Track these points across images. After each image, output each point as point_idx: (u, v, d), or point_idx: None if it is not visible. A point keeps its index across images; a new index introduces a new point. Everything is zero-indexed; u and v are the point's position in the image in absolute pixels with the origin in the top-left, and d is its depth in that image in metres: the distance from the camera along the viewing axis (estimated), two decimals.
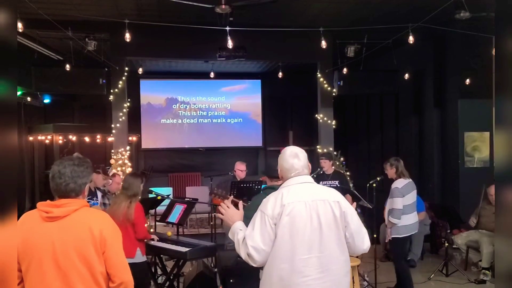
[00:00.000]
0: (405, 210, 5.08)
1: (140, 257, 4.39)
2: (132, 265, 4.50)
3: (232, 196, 4.45)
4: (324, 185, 6.08)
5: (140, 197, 4.59)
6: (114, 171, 7.06)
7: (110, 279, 2.19)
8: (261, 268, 2.84)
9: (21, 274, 2.15)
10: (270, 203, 2.46)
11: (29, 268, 2.11)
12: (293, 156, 2.60)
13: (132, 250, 4.34)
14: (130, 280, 2.23)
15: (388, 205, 5.29)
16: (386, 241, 5.53)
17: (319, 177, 6.39)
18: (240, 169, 6.62)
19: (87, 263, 2.11)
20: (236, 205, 2.75)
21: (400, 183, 5.17)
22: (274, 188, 3.23)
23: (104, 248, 2.15)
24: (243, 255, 2.46)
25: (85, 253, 2.10)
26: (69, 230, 2.12)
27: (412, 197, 5.21)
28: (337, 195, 2.55)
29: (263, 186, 5.68)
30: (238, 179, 6.54)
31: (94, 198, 5.51)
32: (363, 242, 2.55)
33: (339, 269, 2.44)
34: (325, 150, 7.91)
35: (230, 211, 2.67)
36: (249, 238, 2.43)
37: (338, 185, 5.97)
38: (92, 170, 2.36)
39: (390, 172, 5.28)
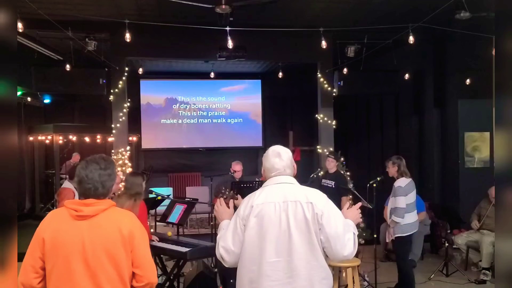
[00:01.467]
0: (407, 208, 5.09)
1: None
2: None
3: (239, 196, 4.44)
4: (324, 183, 6.12)
5: (143, 196, 4.58)
6: None
7: (135, 279, 2.18)
8: None
9: (44, 272, 2.13)
10: (243, 204, 2.43)
11: (55, 266, 2.10)
12: (275, 156, 2.51)
13: None
14: (156, 282, 2.24)
15: (390, 204, 5.28)
16: (387, 240, 5.52)
17: (319, 177, 6.39)
18: (236, 170, 6.62)
19: (115, 263, 2.11)
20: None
21: (402, 182, 5.16)
22: None
23: (132, 248, 2.15)
24: (217, 255, 2.45)
25: (114, 253, 2.10)
26: (99, 229, 2.12)
27: (413, 196, 5.22)
28: (314, 196, 2.39)
29: None
30: (237, 179, 6.54)
31: None
32: (344, 248, 2.33)
33: (312, 275, 2.31)
34: (326, 151, 7.91)
35: (220, 209, 2.66)
36: (222, 238, 2.42)
37: (333, 186, 5.99)
38: (116, 169, 2.36)
39: (392, 170, 5.27)
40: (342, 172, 7.33)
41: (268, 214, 2.34)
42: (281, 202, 2.36)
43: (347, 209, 2.61)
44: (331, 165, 6.28)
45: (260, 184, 6.11)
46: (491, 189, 6.29)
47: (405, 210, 5.06)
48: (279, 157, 2.51)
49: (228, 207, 2.68)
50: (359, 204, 2.71)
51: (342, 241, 2.34)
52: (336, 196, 5.45)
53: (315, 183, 6.11)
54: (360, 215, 2.62)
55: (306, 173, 6.84)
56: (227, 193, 5.20)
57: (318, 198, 2.40)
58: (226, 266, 2.44)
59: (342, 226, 2.37)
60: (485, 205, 6.42)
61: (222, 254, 2.40)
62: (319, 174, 6.51)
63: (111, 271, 2.10)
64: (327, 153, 6.88)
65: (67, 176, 5.53)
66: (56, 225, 2.14)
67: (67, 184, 5.29)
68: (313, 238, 2.32)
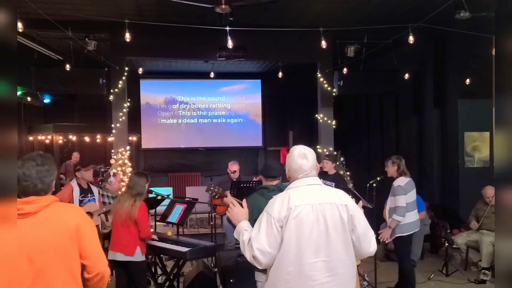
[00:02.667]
0: (407, 207, 5.08)
1: (139, 256, 4.40)
2: (130, 264, 4.53)
3: (228, 192, 4.45)
4: (323, 184, 6.12)
5: (144, 197, 4.59)
6: (114, 170, 7.07)
7: (86, 270, 2.16)
8: (257, 270, 2.81)
9: None
10: (276, 205, 2.41)
11: None
12: (302, 157, 2.54)
13: (132, 249, 4.35)
14: (107, 271, 2.21)
15: (389, 204, 5.27)
16: (387, 241, 5.51)
17: (320, 175, 6.42)
18: (234, 170, 6.61)
19: (64, 258, 2.08)
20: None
21: (402, 181, 5.16)
22: (268, 189, 3.24)
23: (80, 239, 2.12)
24: (248, 257, 2.42)
25: (62, 248, 2.08)
26: (44, 226, 2.07)
27: (413, 195, 5.21)
28: (345, 198, 2.50)
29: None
30: (234, 180, 6.54)
31: (89, 195, 5.54)
32: (370, 245, 2.51)
33: (346, 273, 2.41)
34: (326, 151, 7.91)
35: (236, 210, 2.61)
36: (255, 240, 2.39)
37: (333, 187, 5.99)
38: (56, 165, 2.29)
39: (391, 169, 5.27)
40: (341, 172, 7.33)
41: (307, 216, 2.37)
42: (317, 204, 2.40)
43: None
44: (328, 166, 6.30)
45: (258, 184, 6.11)
46: (485, 189, 6.32)
47: (405, 209, 5.06)
48: (306, 158, 2.54)
49: (242, 207, 2.64)
50: (360, 203, 2.76)
51: (368, 238, 2.51)
52: None
53: None
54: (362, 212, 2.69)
55: None
56: (216, 190, 5.18)
57: (349, 200, 2.51)
58: (260, 268, 2.43)
59: (366, 224, 2.51)
60: (481, 206, 6.43)
61: (257, 255, 2.37)
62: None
63: (60, 267, 2.07)
64: (326, 153, 6.88)
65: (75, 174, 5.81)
66: None
67: (73, 181, 5.56)
68: (348, 238, 2.43)
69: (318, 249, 2.35)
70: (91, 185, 5.68)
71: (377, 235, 5.30)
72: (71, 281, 2.11)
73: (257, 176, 8.39)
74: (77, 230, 2.12)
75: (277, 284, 2.39)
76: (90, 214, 5.42)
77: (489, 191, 6.25)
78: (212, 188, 5.00)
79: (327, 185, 6.19)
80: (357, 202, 2.88)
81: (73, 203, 5.35)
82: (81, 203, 5.43)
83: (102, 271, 2.19)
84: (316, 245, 2.35)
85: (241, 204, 2.67)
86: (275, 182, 3.33)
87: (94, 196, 5.59)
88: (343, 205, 2.43)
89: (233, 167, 6.65)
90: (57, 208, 2.16)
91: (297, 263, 2.34)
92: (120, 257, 4.36)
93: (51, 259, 2.06)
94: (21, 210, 2.09)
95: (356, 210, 2.48)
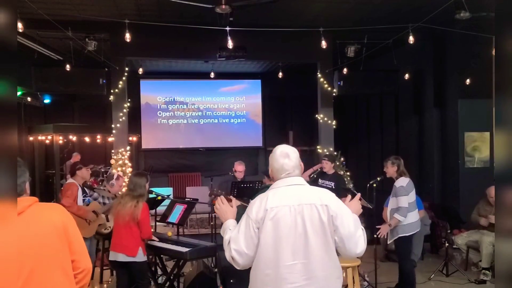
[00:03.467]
0: (409, 208, 5.08)
1: (141, 256, 4.41)
2: (133, 264, 4.54)
3: (232, 196, 4.44)
4: (322, 183, 6.13)
5: (146, 198, 4.60)
6: (114, 171, 7.06)
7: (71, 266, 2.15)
8: None
9: None
10: (255, 206, 2.39)
11: None
12: (284, 156, 2.49)
13: (134, 249, 4.36)
14: (91, 267, 2.23)
15: (390, 205, 5.26)
16: (388, 242, 5.50)
17: (319, 175, 6.43)
18: (238, 170, 6.62)
19: (56, 256, 2.06)
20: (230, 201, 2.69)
21: (404, 182, 5.15)
22: None
23: (68, 237, 2.12)
24: (227, 257, 2.41)
25: (52, 246, 2.06)
26: (31, 226, 2.04)
27: (413, 195, 5.22)
28: (327, 198, 2.41)
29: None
30: (239, 180, 6.55)
31: (86, 195, 5.56)
32: (356, 246, 2.38)
33: (327, 275, 2.35)
34: (326, 151, 7.91)
35: (224, 208, 2.59)
36: (233, 241, 2.37)
37: (333, 187, 6.00)
38: (26, 167, 2.21)
39: (391, 170, 5.26)
40: (341, 172, 7.33)
41: (284, 218, 2.33)
42: (296, 205, 2.35)
43: (349, 201, 2.62)
44: (328, 166, 6.31)
45: (260, 184, 6.12)
46: (489, 189, 6.30)
47: (407, 210, 5.06)
48: (288, 157, 2.49)
49: (231, 206, 2.62)
50: (359, 195, 2.73)
51: (355, 239, 2.38)
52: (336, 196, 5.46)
53: (315, 183, 6.12)
54: (361, 206, 2.65)
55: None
56: (218, 194, 5.17)
57: (331, 200, 2.42)
58: (238, 268, 2.42)
59: (353, 224, 2.40)
60: (483, 205, 6.41)
61: (234, 256, 2.36)
62: (319, 172, 6.54)
63: (52, 267, 2.05)
64: (326, 153, 6.89)
65: (69, 174, 5.80)
66: None
67: (71, 181, 5.52)
68: (329, 240, 2.35)
69: (296, 251, 2.31)
70: (85, 187, 5.71)
71: (377, 230, 5.32)
72: (65, 279, 2.10)
73: (260, 176, 8.39)
74: (65, 228, 2.11)
75: (256, 286, 2.38)
76: (95, 213, 5.44)
77: (493, 192, 6.22)
78: (215, 193, 4.99)
79: (327, 185, 6.22)
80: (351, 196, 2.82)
81: (77, 202, 5.38)
82: (82, 202, 5.44)
83: (88, 267, 2.20)
84: (293, 247, 2.31)
85: (230, 202, 2.66)
86: None
87: (88, 196, 5.63)
88: (323, 205, 2.35)
89: (238, 167, 6.67)
90: (40, 208, 2.13)
91: (275, 265, 2.31)
92: (122, 257, 4.37)
93: (43, 259, 2.03)
94: None
95: (340, 210, 2.38)
